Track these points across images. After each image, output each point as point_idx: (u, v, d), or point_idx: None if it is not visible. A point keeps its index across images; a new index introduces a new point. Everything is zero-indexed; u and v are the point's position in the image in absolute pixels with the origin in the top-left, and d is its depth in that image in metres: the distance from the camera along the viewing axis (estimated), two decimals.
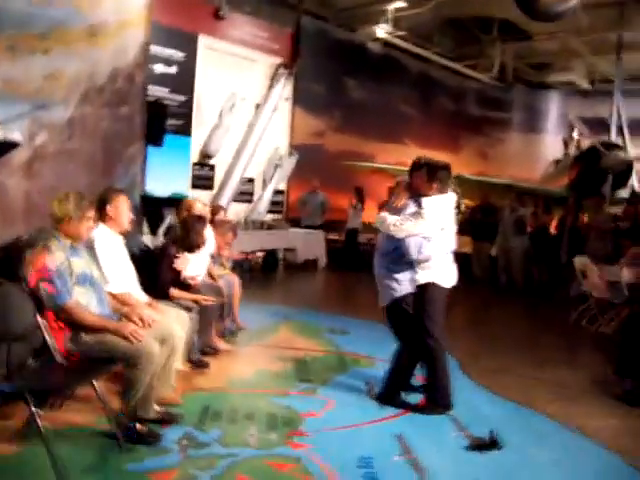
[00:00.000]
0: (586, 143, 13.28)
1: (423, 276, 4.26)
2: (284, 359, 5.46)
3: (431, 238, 4.18)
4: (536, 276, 10.56)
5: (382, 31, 14.31)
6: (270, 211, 13.02)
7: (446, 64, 16.30)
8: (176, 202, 6.14)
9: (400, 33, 14.70)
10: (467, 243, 11.28)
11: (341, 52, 14.31)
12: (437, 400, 4.30)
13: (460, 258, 11.18)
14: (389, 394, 4.43)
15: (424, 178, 4.21)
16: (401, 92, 15.91)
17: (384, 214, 4.25)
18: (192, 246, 4.95)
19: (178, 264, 4.84)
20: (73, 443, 3.39)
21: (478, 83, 17.23)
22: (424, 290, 4.27)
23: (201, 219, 5.16)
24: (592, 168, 12.02)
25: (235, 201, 12.19)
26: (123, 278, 4.08)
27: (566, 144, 14.44)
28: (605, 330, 6.78)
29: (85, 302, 3.50)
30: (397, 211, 4.24)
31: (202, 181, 11.99)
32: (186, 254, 4.90)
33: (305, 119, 13.93)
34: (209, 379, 4.77)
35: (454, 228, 4.39)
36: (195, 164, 11.70)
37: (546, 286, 10.23)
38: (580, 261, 7.91)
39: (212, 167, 12.13)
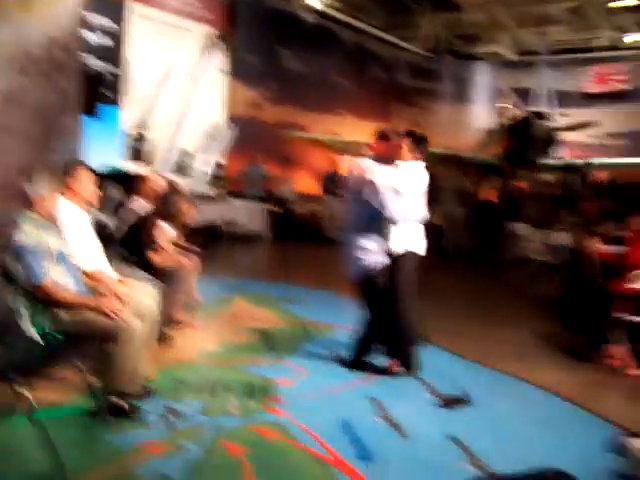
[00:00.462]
0: (518, 113, 13.72)
1: (396, 245, 4.38)
2: (247, 330, 5.51)
3: (400, 197, 4.28)
4: (475, 241, 10.92)
5: (316, 1, 14.24)
6: (208, 183, 12.88)
7: (378, 35, 16.40)
8: (117, 177, 6.06)
9: (334, 3, 14.67)
10: None
11: (276, 22, 14.16)
12: (407, 362, 4.46)
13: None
14: (358, 360, 4.56)
15: (409, 146, 4.34)
16: (335, 63, 15.92)
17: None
18: (173, 218, 4.99)
19: (159, 233, 4.86)
20: (55, 421, 3.35)
21: (409, 54, 17.44)
22: (398, 259, 4.39)
23: (179, 193, 5.18)
24: (524, 137, 12.47)
25: (171, 173, 11.98)
26: (92, 254, 4.00)
27: (499, 114, 14.85)
28: (549, 291, 7.14)
29: (63, 281, 3.44)
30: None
31: (137, 153, 11.71)
32: (163, 224, 4.93)
33: (241, 90, 13.77)
34: (177, 352, 4.76)
35: (423, 198, 4.51)
36: (129, 136, 11.40)
37: (484, 250, 10.62)
38: (520, 227, 8.27)
39: (142, 137, 11.85)
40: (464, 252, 10.85)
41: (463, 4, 16.24)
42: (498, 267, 9.69)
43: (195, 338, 5.17)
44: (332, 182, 12.78)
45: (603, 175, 11.08)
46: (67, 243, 3.69)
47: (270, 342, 5.22)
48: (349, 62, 16.27)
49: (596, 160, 12.55)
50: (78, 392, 3.57)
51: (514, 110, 14.32)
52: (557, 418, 4.01)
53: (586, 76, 17.22)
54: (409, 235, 4.42)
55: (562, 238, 7.35)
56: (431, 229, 11.23)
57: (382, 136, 4.48)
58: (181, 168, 12.28)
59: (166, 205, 5.36)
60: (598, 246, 6.14)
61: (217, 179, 13.01)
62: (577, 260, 6.78)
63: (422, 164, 4.46)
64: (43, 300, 3.36)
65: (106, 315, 3.38)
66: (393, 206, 4.26)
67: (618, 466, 3.18)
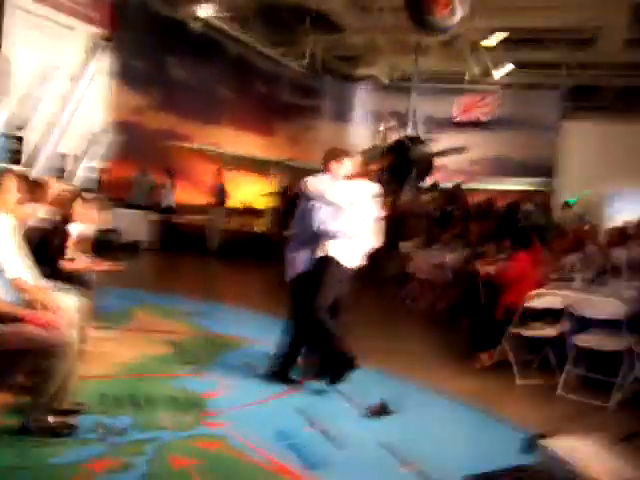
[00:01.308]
0: (394, 136, 14.44)
1: (322, 251, 4.55)
2: (159, 342, 5.43)
3: (339, 213, 4.49)
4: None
5: (203, 11, 14.19)
6: (86, 189, 12.35)
7: (261, 50, 16.60)
8: None
9: (220, 15, 14.68)
10: None
11: (163, 28, 13.92)
12: (342, 366, 4.58)
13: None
14: (283, 371, 4.67)
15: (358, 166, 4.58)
16: (220, 74, 15.90)
17: None
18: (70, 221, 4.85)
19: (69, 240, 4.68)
20: None
21: (291, 71, 17.80)
22: (322, 263, 4.55)
23: (82, 196, 5.03)
24: (400, 159, 13.16)
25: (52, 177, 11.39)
26: (19, 264, 3.81)
27: (375, 136, 15.56)
28: (439, 306, 7.63)
29: None
30: None
31: (9, 154, 11.02)
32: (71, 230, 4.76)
33: (124, 95, 13.36)
34: (93, 366, 4.60)
35: (364, 215, 4.71)
36: (7, 138, 10.72)
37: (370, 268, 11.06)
38: (405, 245, 8.75)
39: (21, 139, 11.18)
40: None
41: (344, 26, 16.87)
42: (385, 284, 10.14)
43: (108, 350, 5.01)
44: (220, 194, 12.76)
45: (480, 198, 11.96)
46: None
47: (186, 354, 5.19)
48: (233, 74, 16.32)
49: (465, 185, 13.53)
50: (3, 411, 3.40)
51: (392, 133, 15.07)
52: (470, 423, 4.36)
53: (455, 105, 18.46)
54: (340, 246, 4.60)
55: (444, 257, 7.87)
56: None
57: (332, 156, 4.66)
58: (61, 173, 11.69)
59: (71, 210, 5.20)
60: (485, 267, 6.70)
61: (97, 185, 12.51)
62: (464, 278, 7.34)
63: (371, 183, 4.71)
64: None
65: (43, 327, 3.26)
66: (328, 221, 4.46)
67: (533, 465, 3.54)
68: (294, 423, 3.94)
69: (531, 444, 3.74)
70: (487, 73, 17.57)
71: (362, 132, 18.21)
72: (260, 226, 13.21)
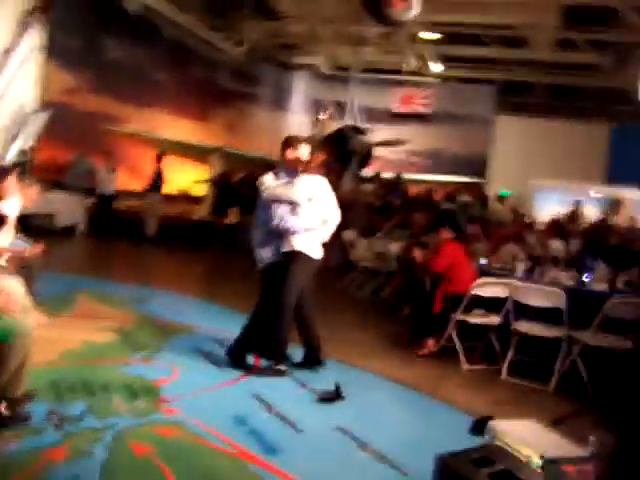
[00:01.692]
0: (333, 125, 14.50)
1: (291, 244, 4.58)
2: (104, 329, 5.29)
3: (297, 209, 4.53)
4: None
5: None
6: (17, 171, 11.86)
7: (199, 34, 16.30)
8: None
9: None
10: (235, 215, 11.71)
11: (99, 6, 13.44)
12: (277, 354, 4.65)
13: (226, 229, 11.58)
14: (239, 357, 4.67)
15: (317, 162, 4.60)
16: (157, 57, 15.48)
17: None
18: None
19: None
20: None
21: (229, 56, 17.56)
22: (291, 256, 4.58)
23: (12, 173, 4.79)
24: (340, 149, 13.23)
25: None
26: None
27: (314, 124, 15.59)
28: (383, 294, 7.75)
29: None
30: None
31: None
32: None
33: (58, 74, 12.82)
34: (38, 353, 4.44)
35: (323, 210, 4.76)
36: None
37: None
38: (348, 234, 8.83)
39: None
40: None
41: (284, 14, 16.79)
42: (328, 273, 10.22)
43: (52, 337, 4.85)
44: (156, 179, 12.48)
45: (419, 189, 12.20)
46: None
47: (132, 341, 5.10)
48: (170, 58, 15.93)
49: (404, 176, 13.79)
50: None
51: (331, 122, 15.13)
52: (419, 407, 4.47)
53: (393, 96, 18.68)
54: (306, 240, 4.64)
55: (386, 246, 8.00)
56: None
57: (288, 144, 4.68)
58: None
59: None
60: (419, 253, 6.82)
61: (28, 167, 12.03)
62: (407, 267, 7.48)
63: (323, 178, 4.74)
64: None
65: None
66: (286, 218, 4.52)
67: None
68: (250, 408, 3.94)
69: (479, 426, 3.89)
70: (425, 67, 17.89)
71: (300, 121, 18.20)
72: (198, 213, 13.03)
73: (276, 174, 4.73)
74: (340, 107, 16.73)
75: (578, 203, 13.68)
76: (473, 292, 5.38)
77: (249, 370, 4.65)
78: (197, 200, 14.25)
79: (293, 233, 4.59)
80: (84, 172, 11.80)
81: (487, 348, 5.67)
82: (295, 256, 4.61)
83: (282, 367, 4.66)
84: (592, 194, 16.96)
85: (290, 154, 4.69)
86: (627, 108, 18.08)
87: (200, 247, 11.60)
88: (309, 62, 18.65)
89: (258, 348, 4.77)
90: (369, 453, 3.48)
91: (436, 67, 17.89)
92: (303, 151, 4.71)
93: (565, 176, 17.17)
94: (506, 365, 5.25)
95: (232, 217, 11.77)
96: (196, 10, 16.07)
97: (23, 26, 11.78)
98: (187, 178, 15.44)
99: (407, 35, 16.82)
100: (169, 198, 13.65)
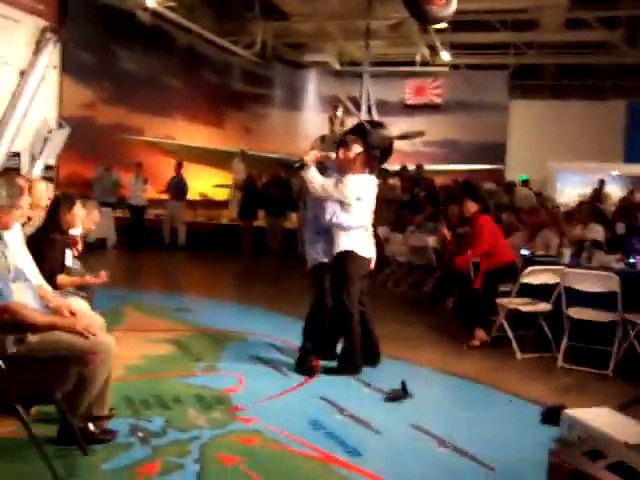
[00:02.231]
0: (351, 121, 14.45)
1: (342, 244, 4.61)
2: (160, 341, 5.36)
3: (348, 208, 4.55)
4: None
5: (151, 0, 13.86)
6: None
7: (210, 38, 16.37)
8: None
9: (169, 4, 14.40)
10: (262, 218, 11.75)
11: (111, 19, 13.52)
12: (353, 362, 4.69)
13: (257, 232, 11.65)
14: (303, 361, 4.71)
15: (363, 160, 4.59)
16: (170, 65, 15.59)
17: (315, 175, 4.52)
18: (67, 227, 4.60)
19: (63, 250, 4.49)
20: (27, 455, 3.08)
21: (241, 59, 17.61)
22: (344, 257, 4.61)
23: (70, 198, 4.79)
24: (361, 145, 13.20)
25: None
26: (33, 269, 3.71)
27: (331, 121, 15.55)
28: (425, 288, 7.77)
29: (24, 300, 3.18)
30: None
31: None
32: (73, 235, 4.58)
33: (74, 89, 12.97)
34: None
35: (371, 208, 4.79)
36: None
37: None
38: (381, 229, 8.84)
39: None
40: None
41: (291, 13, 16.83)
42: None
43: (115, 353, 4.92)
44: (175, 187, 12.56)
45: (444, 180, 12.17)
46: (17, 257, 3.41)
47: (190, 351, 5.16)
48: (183, 65, 16.03)
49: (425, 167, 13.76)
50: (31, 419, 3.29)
51: (346, 118, 15.08)
52: (482, 400, 4.49)
53: (406, 88, 18.64)
54: (356, 239, 4.67)
55: (426, 240, 8.00)
56: (281, 235, 11.60)
57: (341, 144, 4.71)
58: (10, 171, 11.26)
59: (59, 215, 4.86)
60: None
61: (55, 184, 12.13)
62: (445, 259, 7.50)
63: (373, 177, 4.75)
64: (8, 322, 3.09)
65: (81, 334, 3.19)
66: (341, 215, 4.54)
67: (556, 435, 3.70)
68: (323, 411, 3.98)
69: (553, 416, 3.92)
70: (435, 57, 17.86)
71: (314, 119, 18.19)
72: (225, 217, 13.10)
73: (325, 173, 4.74)
74: (354, 102, 16.71)
75: (602, 182, 13.59)
76: (524, 281, 5.40)
77: (314, 373, 4.68)
78: (220, 205, 14.33)
79: (344, 229, 4.60)
80: (110, 185, 11.88)
81: (538, 336, 5.69)
82: (347, 256, 4.63)
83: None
84: (613, 173, 16.87)
85: (343, 154, 4.70)
86: None
87: (230, 251, 11.66)
88: (319, 59, 18.66)
89: (320, 349, 4.81)
90: (450, 449, 3.51)
91: (447, 55, 17.85)
92: (356, 150, 4.72)
93: (584, 157, 17.09)
94: (562, 352, 5.26)
95: (260, 220, 11.82)
96: (206, 16, 16.15)
97: (38, 46, 11.87)
98: (207, 183, 15.52)
99: (416, 26, 16.78)
100: (192, 204, 13.74)
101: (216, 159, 15.04)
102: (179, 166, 12.39)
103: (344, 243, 4.64)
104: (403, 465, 3.32)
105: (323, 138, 15.68)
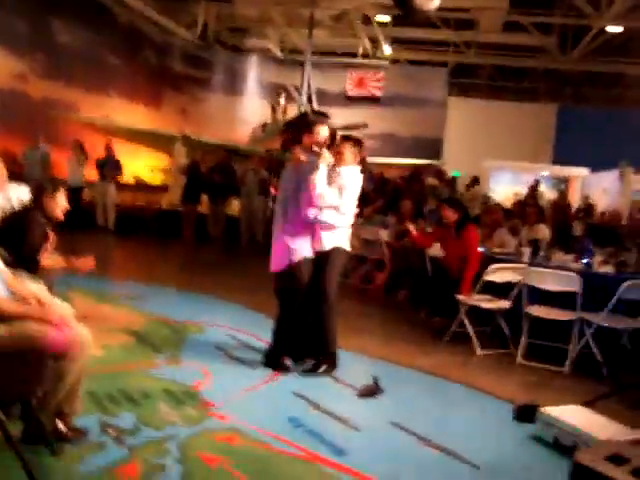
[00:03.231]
0: (293, 110, 14.33)
1: (327, 241, 4.46)
2: (116, 331, 5.09)
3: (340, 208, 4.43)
4: None
5: None
6: None
7: (151, 16, 15.81)
8: None
9: None
10: (204, 203, 11.45)
11: None
12: (329, 361, 4.57)
13: (197, 218, 11.34)
14: (273, 357, 4.56)
15: (350, 151, 4.44)
16: (109, 41, 14.91)
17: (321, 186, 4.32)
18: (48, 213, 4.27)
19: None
20: None
21: (182, 40, 17.11)
22: (327, 255, 4.46)
23: (55, 184, 4.46)
24: (303, 134, 13.07)
25: None
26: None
27: (274, 109, 15.38)
28: (378, 281, 7.74)
29: None
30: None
31: None
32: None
33: (4, 59, 12.19)
34: None
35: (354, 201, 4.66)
36: None
37: None
38: None
39: None
40: (261, 243, 10.97)
41: None
42: None
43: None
44: (106, 167, 11.99)
45: (398, 173, 12.20)
46: None
47: (149, 342, 4.92)
48: (122, 42, 15.40)
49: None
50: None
51: (289, 106, 14.96)
52: (451, 396, 4.50)
53: (347, 80, 18.61)
54: (338, 234, 4.53)
55: (378, 233, 7.98)
56: (224, 221, 11.31)
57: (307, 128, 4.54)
58: None
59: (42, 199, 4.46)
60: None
61: None
62: (400, 253, 7.51)
63: (358, 168, 4.61)
64: None
65: (54, 326, 2.95)
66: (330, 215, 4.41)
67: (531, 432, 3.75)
68: (299, 408, 3.87)
69: (527, 414, 3.96)
70: (378, 50, 17.93)
71: (255, 105, 17.93)
72: (164, 201, 12.66)
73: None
74: (296, 91, 16.57)
75: (538, 182, 14.02)
76: (486, 278, 5.45)
77: (286, 370, 4.54)
78: (158, 188, 13.87)
79: (329, 228, 4.48)
80: (38, 161, 11.20)
81: (496, 333, 5.77)
82: (333, 253, 4.51)
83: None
84: (543, 174, 17.46)
85: (308, 138, 4.53)
86: (573, 89, 18.73)
87: (170, 237, 11.30)
88: (262, 46, 18.36)
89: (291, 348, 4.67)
90: (433, 448, 3.48)
91: (388, 49, 17.95)
92: (323, 134, 4.54)
93: (515, 156, 17.60)
94: (521, 349, 5.34)
95: (204, 206, 11.50)
96: None
97: None
98: (144, 165, 15.00)
99: (360, 17, 16.80)
100: (128, 187, 13.23)
101: (154, 141, 14.54)
102: (110, 146, 11.83)
103: (329, 240, 4.50)
104: (391, 464, 3.26)
105: (265, 126, 15.52)
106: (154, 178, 14.67)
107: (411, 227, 6.63)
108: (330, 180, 4.38)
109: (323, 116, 11.28)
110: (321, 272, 4.47)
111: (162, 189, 13.36)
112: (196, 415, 3.61)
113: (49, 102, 13.12)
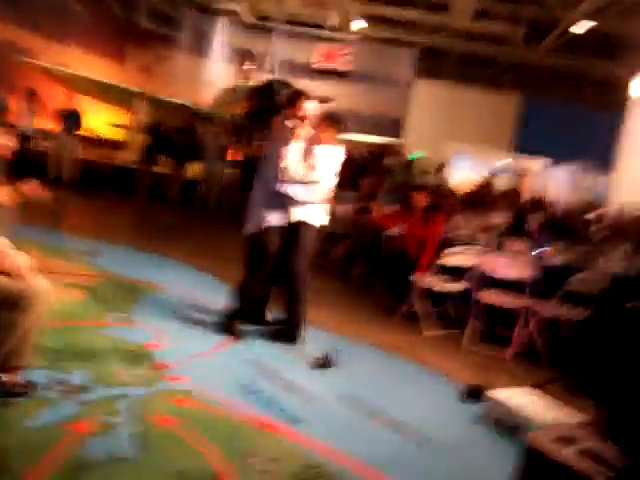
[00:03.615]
0: (258, 76, 14.10)
1: (298, 214, 4.45)
2: (70, 286, 4.99)
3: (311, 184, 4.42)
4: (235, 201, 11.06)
5: None
6: None
7: None
8: None
9: None
10: (166, 164, 11.24)
11: None
12: (291, 333, 4.60)
13: (155, 178, 11.15)
14: (231, 322, 4.55)
15: (331, 129, 4.43)
16: None
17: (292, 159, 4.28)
18: None
19: None
20: None
21: None
22: (298, 227, 4.46)
23: None
24: (268, 103, 12.91)
25: None
26: None
27: (239, 74, 15.10)
28: (333, 256, 7.75)
29: None
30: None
31: None
32: None
33: None
34: None
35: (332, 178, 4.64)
36: None
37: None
38: None
39: None
40: (214, 207, 10.82)
41: None
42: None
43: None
44: (69, 120, 11.64)
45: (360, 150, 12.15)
46: None
47: (101, 300, 4.83)
48: None
49: None
50: None
51: (257, 73, 14.73)
52: (403, 373, 4.57)
53: (315, 51, 18.37)
54: (308, 209, 4.52)
55: (339, 209, 7.97)
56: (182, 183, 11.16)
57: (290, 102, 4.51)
58: None
59: None
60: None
61: None
62: (357, 230, 7.55)
63: (339, 147, 4.59)
64: None
65: (8, 275, 2.88)
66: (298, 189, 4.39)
67: (477, 411, 3.87)
68: (252, 375, 3.88)
69: (474, 394, 4.08)
70: (348, 23, 17.74)
71: (221, 69, 17.58)
72: (123, 158, 12.35)
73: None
74: (261, 58, 16.35)
75: (495, 171, 14.20)
76: (442, 261, 5.54)
77: (241, 336, 4.54)
78: (115, 144, 13.51)
79: (298, 202, 4.47)
80: None
81: (447, 315, 5.89)
82: (303, 226, 4.51)
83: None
84: (502, 163, 17.72)
85: (291, 112, 4.50)
86: (538, 82, 18.98)
87: (124, 195, 11.07)
88: (231, 8, 17.94)
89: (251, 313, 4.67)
90: (384, 423, 3.54)
91: (358, 24, 17.79)
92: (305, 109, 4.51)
93: (477, 143, 17.81)
94: (470, 332, 5.47)
95: (164, 167, 11.28)
96: None
97: None
98: (102, 120, 14.59)
99: None
100: (84, 140, 12.85)
101: (114, 96, 14.11)
102: (74, 98, 11.45)
103: (298, 213, 4.49)
104: (343, 435, 3.30)
105: (229, 90, 15.24)
106: (112, 134, 14.29)
107: (375, 207, 6.68)
108: (304, 157, 4.37)
109: (288, 86, 11.21)
110: (290, 246, 4.49)
111: (120, 146, 13.02)
112: (149, 376, 3.59)
113: (2, 45, 12.57)
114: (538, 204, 8.30)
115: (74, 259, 5.93)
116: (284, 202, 4.47)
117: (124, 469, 2.62)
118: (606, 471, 2.29)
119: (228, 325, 4.54)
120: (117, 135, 14.11)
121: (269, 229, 4.46)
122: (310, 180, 4.39)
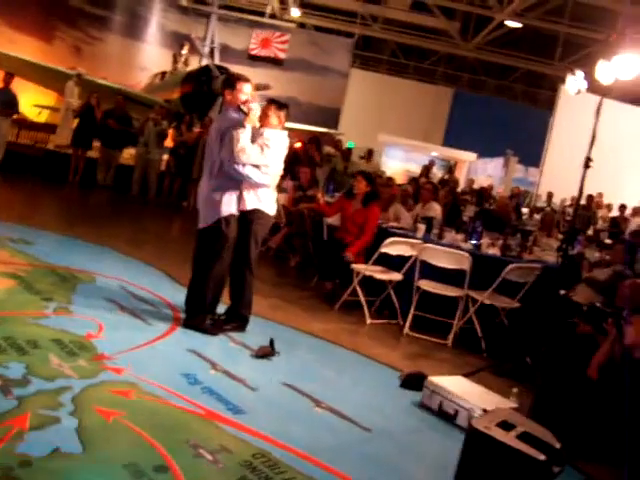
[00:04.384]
0: (195, 62, 13.89)
1: (251, 201, 4.40)
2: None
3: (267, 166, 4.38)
4: (166, 189, 10.87)
5: None
6: None
7: None
8: None
9: None
10: (96, 149, 10.91)
11: None
12: (238, 323, 4.60)
13: (87, 163, 10.86)
14: (193, 316, 4.50)
15: (276, 114, 4.38)
16: None
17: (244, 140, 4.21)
18: None
19: None
20: None
21: None
22: (251, 217, 4.42)
23: None
24: (204, 88, 12.74)
25: None
26: None
27: (175, 59, 14.79)
28: (271, 245, 7.71)
29: None
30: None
31: None
32: None
33: None
34: None
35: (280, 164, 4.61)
36: None
37: (177, 198, 10.75)
38: None
39: None
40: (152, 196, 10.61)
41: None
42: (187, 214, 9.84)
43: None
44: (4, 100, 11.09)
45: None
46: None
47: (35, 289, 4.66)
48: None
49: None
50: None
51: (191, 57, 14.48)
52: (343, 362, 4.63)
53: (252, 38, 18.19)
54: (261, 194, 4.48)
55: (280, 199, 7.95)
56: (114, 169, 10.90)
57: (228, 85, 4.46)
58: None
59: None
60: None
61: None
62: (297, 218, 7.56)
63: (284, 132, 4.55)
64: None
65: None
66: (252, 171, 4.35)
67: (416, 399, 3.96)
68: (195, 365, 3.86)
69: (414, 382, 4.18)
70: (285, 11, 17.69)
71: (155, 52, 17.18)
72: (50, 142, 11.88)
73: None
74: (198, 43, 16.07)
75: (433, 162, 14.48)
76: (382, 250, 5.61)
77: (212, 330, 4.49)
78: (42, 127, 12.98)
79: (253, 186, 4.42)
80: None
81: (387, 303, 5.98)
82: (254, 214, 4.47)
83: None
84: (433, 154, 18.11)
85: (230, 95, 4.44)
86: (469, 76, 19.45)
87: (54, 180, 10.68)
88: None
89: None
90: (326, 410, 3.59)
91: (296, 12, 17.75)
92: (245, 92, 4.46)
93: (409, 134, 18.12)
94: (409, 321, 5.58)
95: (97, 152, 10.94)
96: None
97: None
98: (28, 102, 14.00)
99: None
100: (15, 123, 12.29)
101: (43, 77, 13.55)
102: (8, 77, 10.90)
103: (252, 200, 4.45)
104: (285, 424, 3.33)
105: (164, 74, 14.94)
106: (40, 116, 13.76)
107: (319, 196, 6.69)
108: (253, 139, 4.33)
109: (224, 71, 11.13)
110: (244, 234, 4.45)
111: (49, 129, 12.53)
112: (90, 368, 3.50)
113: None
114: (472, 195, 8.50)
115: (2, 246, 5.69)
116: (239, 187, 4.42)
117: (69, 464, 2.56)
118: (544, 451, 2.40)
119: (199, 321, 4.48)
120: (46, 117, 13.59)
121: (229, 217, 4.40)
122: (262, 163, 4.36)
